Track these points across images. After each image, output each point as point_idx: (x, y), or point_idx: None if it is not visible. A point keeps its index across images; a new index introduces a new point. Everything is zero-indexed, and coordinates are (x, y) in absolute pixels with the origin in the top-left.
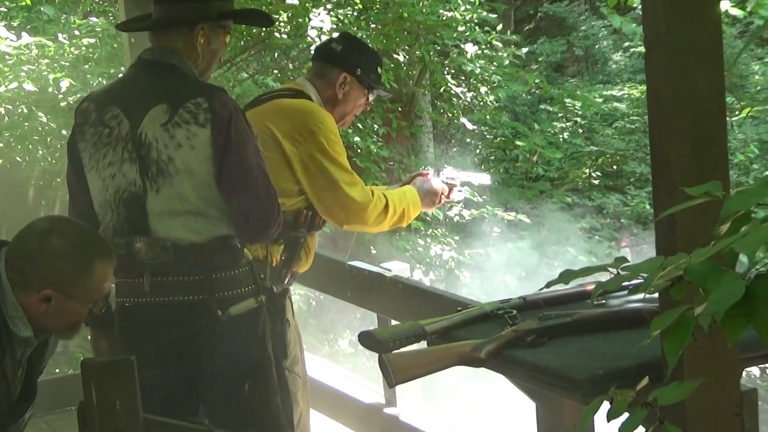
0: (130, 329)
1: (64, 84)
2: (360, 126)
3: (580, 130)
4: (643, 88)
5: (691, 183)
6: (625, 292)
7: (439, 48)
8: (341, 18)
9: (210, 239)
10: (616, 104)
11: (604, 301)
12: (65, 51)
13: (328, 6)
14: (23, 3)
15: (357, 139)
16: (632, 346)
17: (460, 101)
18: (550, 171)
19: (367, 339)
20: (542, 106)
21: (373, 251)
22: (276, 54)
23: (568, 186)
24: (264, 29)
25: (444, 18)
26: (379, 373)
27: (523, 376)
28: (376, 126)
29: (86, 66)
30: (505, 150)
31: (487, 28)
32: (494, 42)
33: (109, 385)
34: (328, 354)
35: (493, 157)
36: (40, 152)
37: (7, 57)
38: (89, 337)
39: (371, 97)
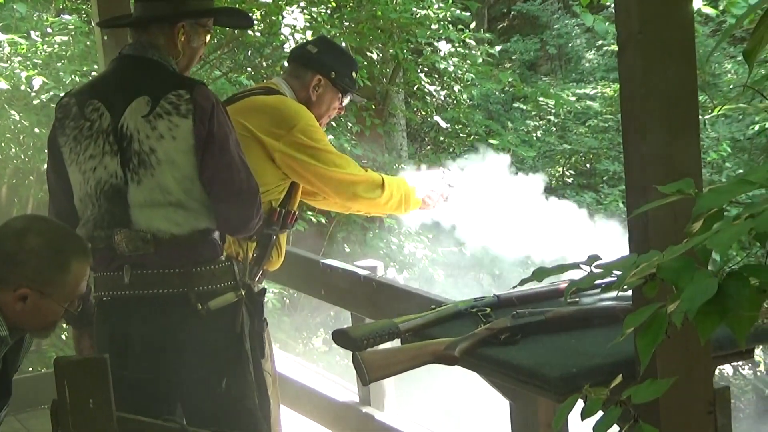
0: (108, 323)
1: (37, 82)
2: (333, 124)
3: (554, 129)
4: (617, 86)
5: (664, 181)
6: (599, 290)
7: (412, 46)
8: (314, 16)
9: (191, 232)
10: (589, 102)
11: (577, 299)
12: (38, 48)
13: (302, 4)
14: None
15: (331, 137)
16: (605, 344)
17: (434, 99)
18: (523, 169)
19: (341, 337)
20: (516, 105)
21: (347, 250)
22: (249, 52)
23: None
24: None
25: (417, 16)
26: (353, 371)
27: (497, 374)
28: (349, 124)
29: (59, 63)
30: (478, 148)
31: (460, 26)
32: (468, 40)
33: (82, 384)
34: (302, 352)
35: (466, 156)
36: (13, 150)
37: None
38: (72, 336)
39: (345, 101)
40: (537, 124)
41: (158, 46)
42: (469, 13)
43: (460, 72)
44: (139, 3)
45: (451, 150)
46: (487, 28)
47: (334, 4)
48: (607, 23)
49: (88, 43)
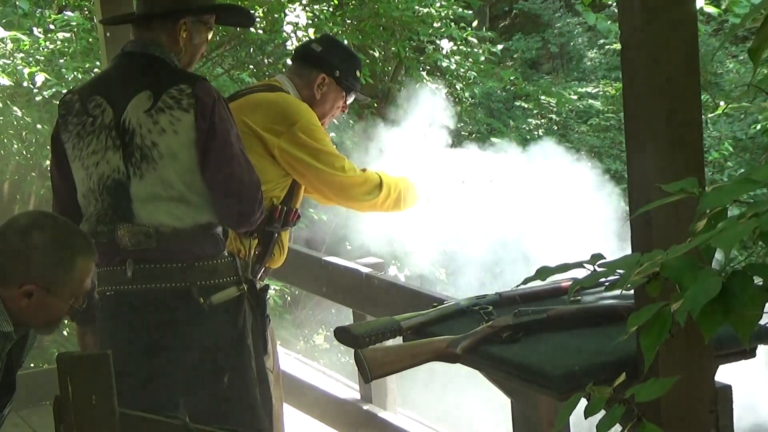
0: (111, 318)
1: (39, 78)
2: (335, 121)
3: (555, 127)
4: (618, 85)
5: (666, 180)
6: (600, 288)
7: (414, 44)
8: (317, 14)
9: (193, 226)
10: (591, 101)
11: (579, 298)
12: (40, 45)
13: (304, 1)
14: None
15: (333, 134)
16: (607, 343)
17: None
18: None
19: (343, 334)
20: (517, 103)
21: (349, 247)
22: (251, 49)
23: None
24: None
25: (419, 14)
26: (354, 368)
27: (499, 372)
28: (351, 121)
29: (61, 60)
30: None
31: (462, 25)
32: (469, 38)
33: (84, 380)
34: (304, 349)
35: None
36: (15, 146)
37: None
38: (75, 332)
39: (349, 100)
40: (539, 122)
41: (160, 43)
42: (471, 11)
43: (462, 70)
44: (141, 0)
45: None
46: (489, 27)
47: (336, 2)
48: (609, 22)
49: (90, 39)
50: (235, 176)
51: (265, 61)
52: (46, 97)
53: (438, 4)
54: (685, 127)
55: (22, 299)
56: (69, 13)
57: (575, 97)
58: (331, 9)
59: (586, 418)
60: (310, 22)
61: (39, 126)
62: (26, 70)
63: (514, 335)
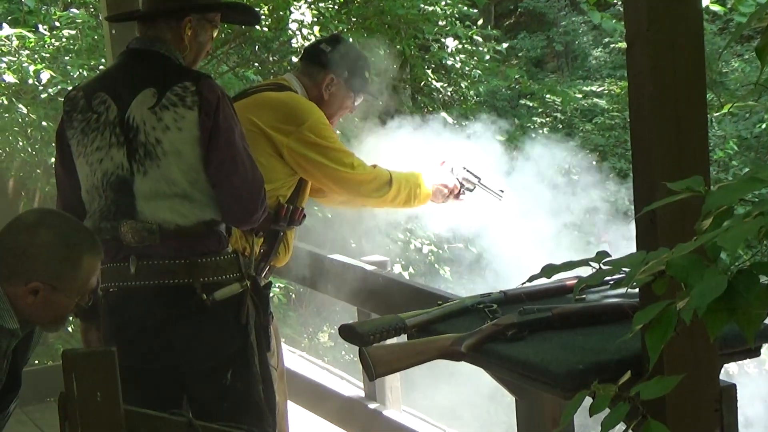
0: (114, 314)
1: (45, 75)
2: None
3: (560, 126)
4: (624, 83)
5: (671, 179)
6: (605, 286)
7: (419, 42)
8: (322, 11)
9: (196, 223)
10: (596, 100)
11: (584, 296)
12: (46, 42)
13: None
14: None
15: (338, 132)
16: (612, 341)
17: (441, 95)
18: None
19: (347, 332)
20: (522, 101)
21: (353, 245)
22: (257, 47)
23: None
24: None
25: (425, 12)
26: (358, 366)
27: (503, 371)
28: (356, 119)
29: (67, 57)
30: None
31: (467, 23)
32: (475, 37)
33: (89, 377)
34: (308, 347)
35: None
36: (20, 143)
37: None
38: (80, 329)
39: (358, 101)
40: (543, 121)
41: (165, 41)
42: (476, 10)
43: (467, 68)
44: None
45: None
46: (494, 25)
47: (341, 0)
48: (614, 21)
49: (95, 37)
50: (238, 174)
51: (270, 58)
52: (52, 94)
53: (443, 3)
54: (690, 125)
55: (28, 296)
56: (74, 11)
57: (580, 95)
58: (336, 7)
59: (591, 416)
60: (315, 19)
61: (44, 123)
62: (31, 68)
63: (519, 333)
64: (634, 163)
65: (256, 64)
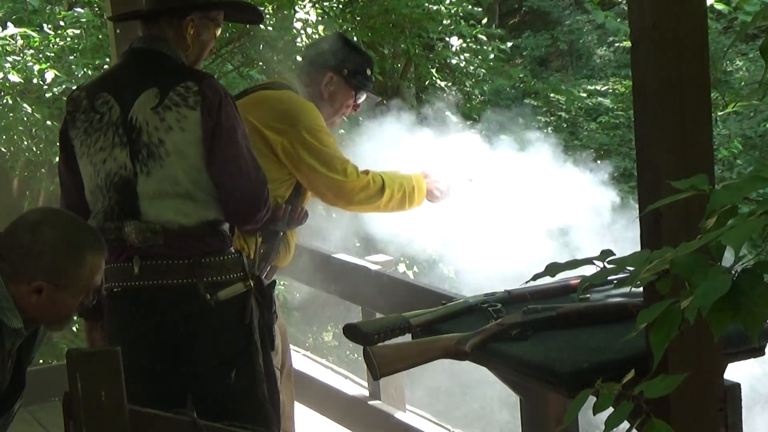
0: (118, 314)
1: (49, 75)
2: (345, 118)
3: (564, 125)
4: (628, 83)
5: (676, 178)
6: (609, 286)
7: (424, 41)
8: (326, 10)
9: (199, 222)
10: (600, 99)
11: (588, 296)
12: (50, 42)
13: None
14: None
15: (342, 131)
16: (616, 340)
17: (445, 95)
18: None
19: (352, 331)
20: (526, 101)
21: (357, 244)
22: (261, 46)
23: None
24: None
25: (429, 11)
26: (363, 365)
27: (508, 370)
28: (360, 118)
29: (71, 57)
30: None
31: (472, 22)
32: (479, 36)
33: (94, 376)
34: (313, 347)
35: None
36: (25, 143)
37: None
38: (84, 328)
39: (360, 99)
40: (548, 120)
41: (167, 39)
42: (480, 9)
43: (471, 67)
44: None
45: None
46: (498, 24)
47: None
48: (618, 20)
49: (100, 36)
50: (241, 174)
51: (275, 58)
52: (56, 93)
53: (447, 1)
54: (694, 124)
55: (31, 295)
56: (79, 10)
57: (584, 94)
58: (340, 6)
59: (594, 415)
60: (319, 18)
61: (49, 123)
62: (36, 67)
63: (523, 333)
64: (639, 162)
65: (261, 63)
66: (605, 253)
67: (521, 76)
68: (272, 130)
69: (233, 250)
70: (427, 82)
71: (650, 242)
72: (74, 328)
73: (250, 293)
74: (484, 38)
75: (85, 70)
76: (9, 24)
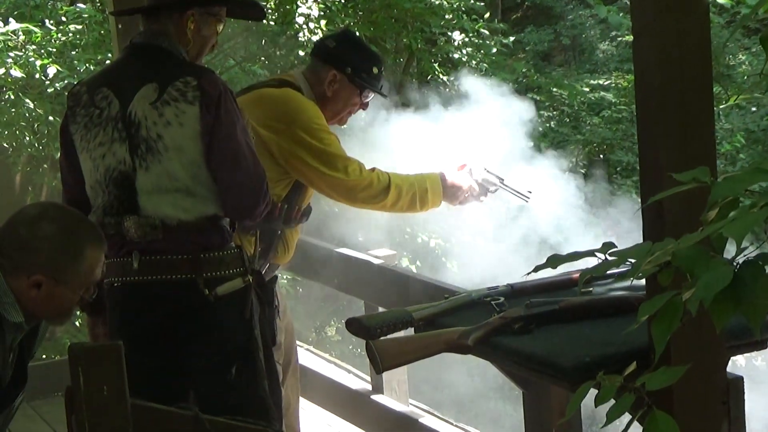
0: (118, 309)
1: (51, 70)
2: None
3: (567, 119)
4: (631, 77)
5: (678, 171)
6: (611, 279)
7: (426, 36)
8: (329, 5)
9: (198, 218)
10: (603, 93)
11: (590, 289)
12: (52, 37)
13: None
14: None
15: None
16: (619, 334)
17: (448, 89)
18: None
19: (354, 326)
20: (529, 95)
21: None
22: (263, 41)
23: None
24: None
25: (431, 5)
26: (366, 359)
27: (511, 364)
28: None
29: (73, 52)
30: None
31: (474, 17)
32: (481, 30)
33: (96, 371)
34: (315, 341)
35: None
36: (27, 138)
37: None
38: (86, 323)
39: (367, 98)
40: (550, 114)
41: (168, 35)
42: (483, 3)
43: (473, 62)
44: None
45: None
46: (501, 19)
47: None
48: (621, 14)
49: (102, 32)
50: (240, 169)
51: (277, 53)
52: (58, 89)
53: None
54: (697, 118)
55: (31, 290)
56: (81, 5)
57: (587, 89)
58: (343, 0)
59: (596, 407)
60: (322, 13)
61: (51, 118)
62: (38, 62)
63: (526, 326)
64: (641, 156)
65: (263, 59)
66: (607, 246)
67: (524, 70)
68: (268, 129)
69: (233, 246)
70: (429, 77)
71: (653, 235)
72: (77, 323)
73: (249, 288)
74: (487, 33)
75: (87, 65)
76: (11, 19)
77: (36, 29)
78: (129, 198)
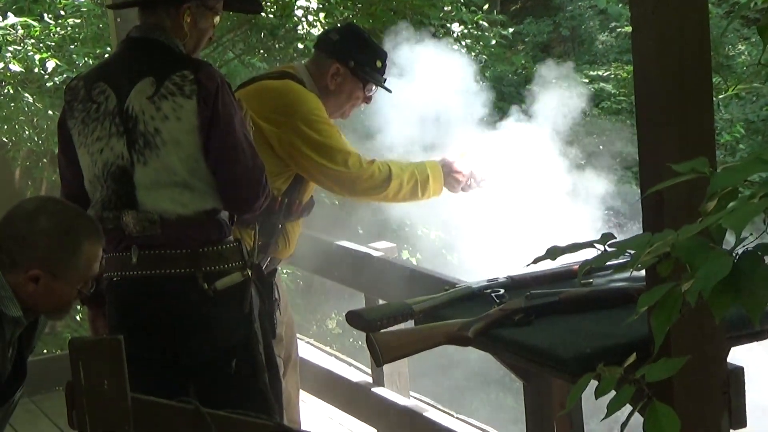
0: (117, 303)
1: (50, 64)
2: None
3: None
4: (630, 68)
5: (677, 162)
6: (612, 270)
7: (425, 27)
8: None
9: (197, 212)
10: (602, 84)
11: (591, 281)
12: (51, 31)
13: None
14: None
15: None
16: (619, 325)
17: None
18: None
19: (355, 318)
20: (528, 87)
21: (360, 231)
22: (262, 34)
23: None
24: None
25: None
26: (366, 352)
27: (511, 355)
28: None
29: (72, 46)
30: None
31: (473, 8)
32: (480, 22)
33: (96, 365)
34: (316, 334)
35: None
36: (27, 133)
37: None
38: (87, 317)
39: (371, 91)
40: None
41: (164, 28)
42: None
43: (472, 54)
44: None
45: None
46: (500, 10)
47: None
48: (620, 5)
49: (101, 25)
50: (239, 162)
51: (276, 45)
52: (57, 83)
53: None
54: (696, 109)
55: (29, 284)
56: None
57: (587, 80)
58: None
59: (596, 399)
60: (320, 6)
61: (50, 112)
62: (37, 57)
63: (526, 318)
64: (641, 147)
65: (262, 51)
66: (606, 237)
67: (523, 62)
68: (268, 121)
69: (232, 239)
70: None
71: (652, 226)
72: (78, 318)
73: (249, 282)
74: (486, 24)
75: (86, 59)
76: (9, 14)
77: (35, 23)
78: (127, 193)
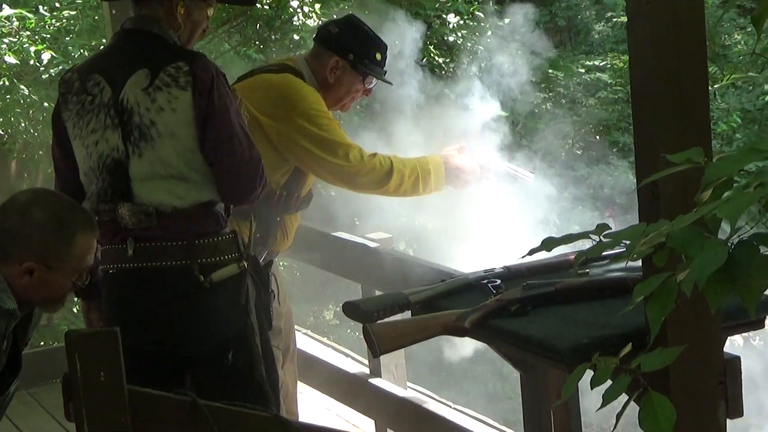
0: (113, 296)
1: (46, 56)
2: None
3: (563, 101)
4: (626, 58)
5: (673, 152)
6: (608, 260)
7: (421, 18)
8: None
9: (193, 204)
10: (599, 74)
11: (587, 271)
12: (46, 23)
13: None
14: None
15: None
16: (616, 315)
17: (443, 72)
18: (533, 141)
19: (351, 309)
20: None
21: (357, 222)
22: (258, 25)
23: (551, 156)
24: None
25: None
26: (363, 343)
27: (508, 346)
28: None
29: (67, 38)
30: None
31: None
32: (476, 12)
33: (93, 357)
34: (313, 325)
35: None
36: (22, 125)
37: None
38: (82, 309)
39: (371, 84)
40: (546, 96)
41: (158, 20)
42: None
43: (468, 44)
44: None
45: None
46: (495, 1)
47: None
48: None
49: (96, 17)
50: (235, 153)
51: (272, 37)
52: (53, 75)
53: None
54: (692, 98)
55: (23, 276)
56: None
57: (583, 70)
58: None
59: (592, 389)
60: None
61: (46, 104)
62: (32, 48)
63: (523, 308)
64: (636, 137)
65: (258, 43)
66: (601, 227)
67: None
68: (267, 115)
69: (228, 231)
70: (424, 60)
71: (648, 216)
72: (75, 310)
73: (245, 274)
74: (482, 15)
75: (81, 51)
76: (4, 5)
77: (30, 15)
78: (123, 185)
